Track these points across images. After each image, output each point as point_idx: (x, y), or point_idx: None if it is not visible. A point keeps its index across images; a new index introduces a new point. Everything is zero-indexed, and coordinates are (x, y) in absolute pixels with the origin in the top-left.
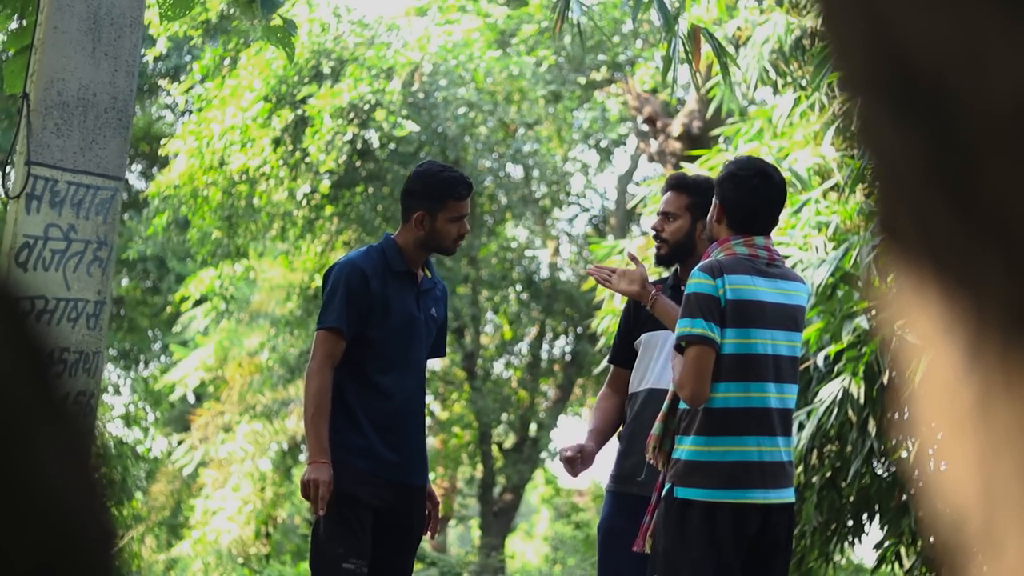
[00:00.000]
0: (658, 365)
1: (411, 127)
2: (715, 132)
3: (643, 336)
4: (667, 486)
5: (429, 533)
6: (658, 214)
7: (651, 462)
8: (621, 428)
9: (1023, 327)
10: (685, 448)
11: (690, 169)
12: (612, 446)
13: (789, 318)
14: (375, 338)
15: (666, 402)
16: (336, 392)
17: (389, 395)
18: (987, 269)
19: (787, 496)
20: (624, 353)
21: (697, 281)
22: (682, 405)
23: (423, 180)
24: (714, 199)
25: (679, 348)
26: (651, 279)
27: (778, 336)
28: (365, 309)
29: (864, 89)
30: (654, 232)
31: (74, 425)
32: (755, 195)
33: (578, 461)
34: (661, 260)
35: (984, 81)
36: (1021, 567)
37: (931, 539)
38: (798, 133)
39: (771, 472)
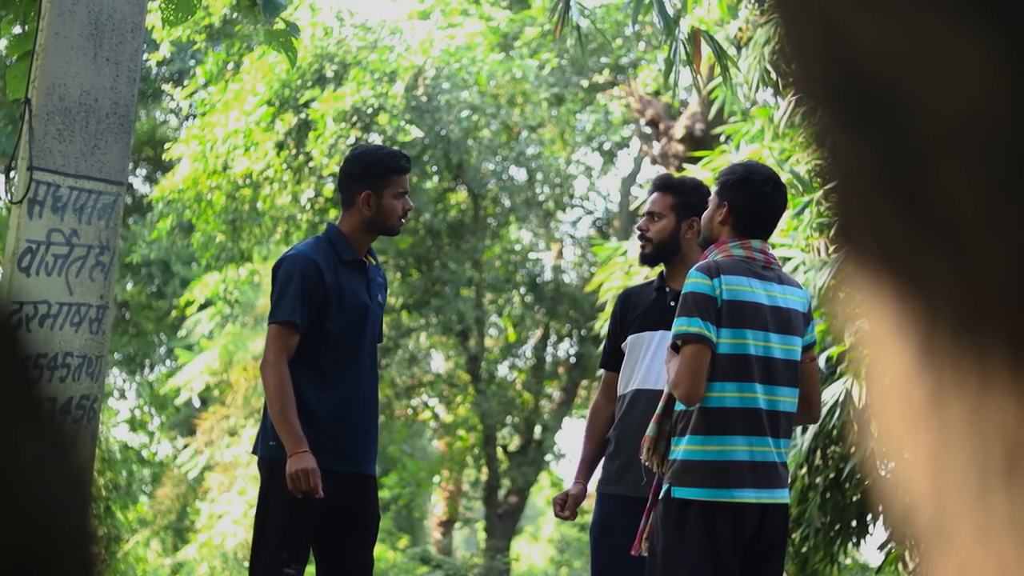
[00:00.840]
0: (644, 366)
1: (415, 133)
2: (716, 131)
3: (630, 338)
4: (664, 487)
5: None
6: (644, 214)
7: (647, 464)
8: (612, 429)
9: (972, 326)
10: (681, 448)
11: (692, 171)
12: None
13: (785, 321)
14: (330, 330)
15: (661, 403)
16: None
17: (344, 386)
18: (937, 271)
19: (781, 496)
20: (616, 357)
21: (694, 281)
22: (678, 406)
23: (362, 161)
24: (716, 199)
25: (675, 347)
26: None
27: (772, 338)
28: (320, 301)
29: (819, 96)
30: (639, 231)
31: (55, 427)
32: (766, 200)
33: (567, 506)
34: (646, 259)
35: (934, 89)
36: (971, 558)
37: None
38: (800, 135)
39: (763, 472)
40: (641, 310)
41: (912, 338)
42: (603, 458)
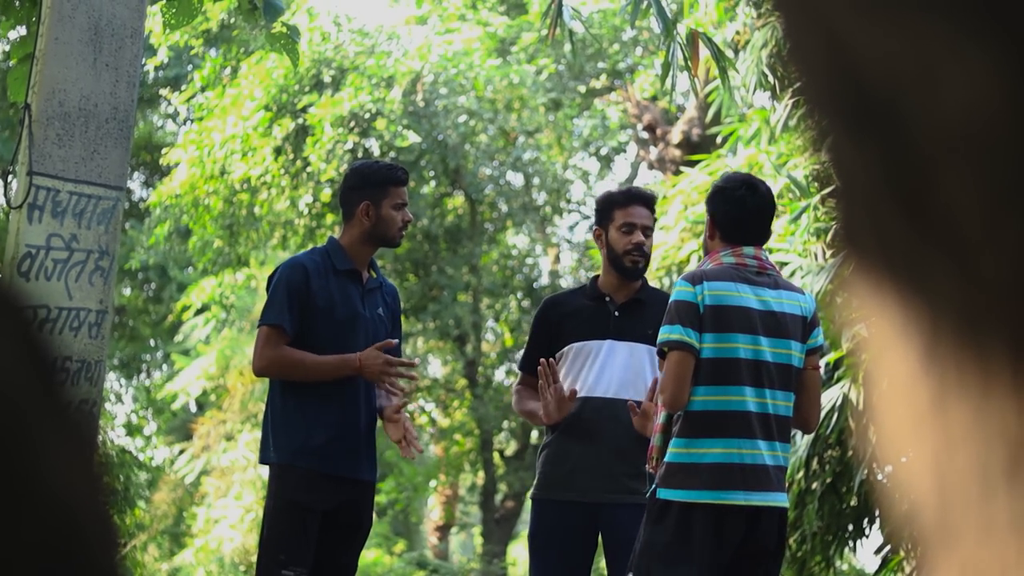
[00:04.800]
0: (592, 374)
1: (413, 138)
2: (712, 131)
3: (573, 346)
4: (651, 488)
5: (414, 450)
6: (640, 228)
7: (651, 472)
8: (547, 436)
9: (974, 330)
10: (669, 451)
11: (690, 175)
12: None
13: (778, 325)
14: (318, 336)
15: (663, 412)
16: (280, 392)
17: (335, 392)
18: (940, 275)
19: (775, 500)
20: (538, 363)
21: (679, 289)
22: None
23: (361, 173)
24: (707, 217)
25: (661, 354)
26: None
27: (762, 342)
28: (303, 306)
29: (824, 106)
30: (639, 245)
31: (78, 429)
32: (743, 205)
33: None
34: (639, 275)
35: (935, 99)
36: (973, 558)
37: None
38: (798, 139)
39: (752, 475)
40: (581, 318)
41: (915, 342)
42: (541, 464)
